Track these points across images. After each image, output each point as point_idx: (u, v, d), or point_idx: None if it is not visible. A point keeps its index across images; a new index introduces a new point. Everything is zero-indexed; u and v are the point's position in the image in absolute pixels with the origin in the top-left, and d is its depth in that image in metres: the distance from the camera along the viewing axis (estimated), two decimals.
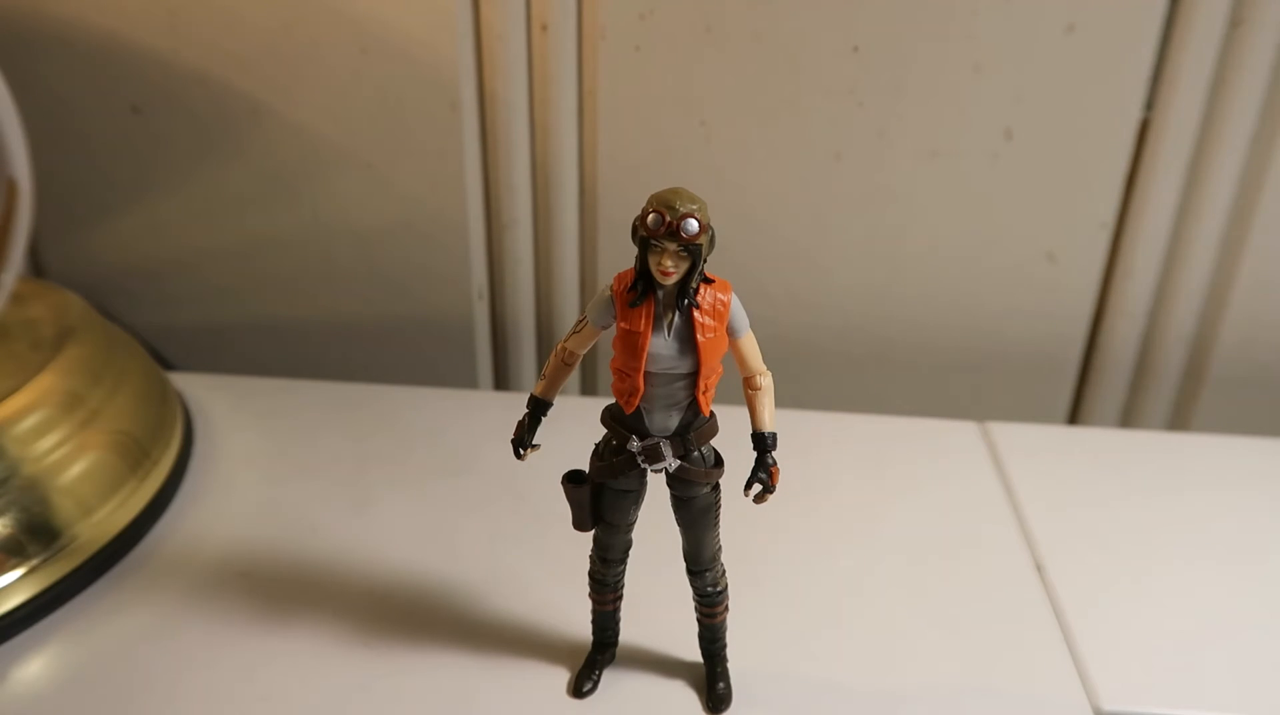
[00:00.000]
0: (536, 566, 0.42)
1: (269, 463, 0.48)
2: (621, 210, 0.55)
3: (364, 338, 0.59)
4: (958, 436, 0.51)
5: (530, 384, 0.60)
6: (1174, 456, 0.51)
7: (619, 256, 0.56)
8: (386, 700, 0.36)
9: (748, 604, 0.38)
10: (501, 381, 0.61)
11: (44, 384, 0.42)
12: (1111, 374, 0.57)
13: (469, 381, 0.59)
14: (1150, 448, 0.52)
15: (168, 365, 0.61)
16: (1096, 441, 0.52)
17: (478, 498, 0.46)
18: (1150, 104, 0.51)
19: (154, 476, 0.45)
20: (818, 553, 0.43)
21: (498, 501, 0.46)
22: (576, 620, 0.38)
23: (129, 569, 0.42)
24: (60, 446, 0.42)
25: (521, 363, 0.60)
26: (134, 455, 0.44)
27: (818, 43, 0.50)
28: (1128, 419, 0.59)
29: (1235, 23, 0.48)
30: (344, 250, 0.57)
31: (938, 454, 0.50)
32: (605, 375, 0.61)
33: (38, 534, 0.40)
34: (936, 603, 0.41)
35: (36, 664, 0.37)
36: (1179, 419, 0.58)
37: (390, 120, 0.53)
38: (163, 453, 0.46)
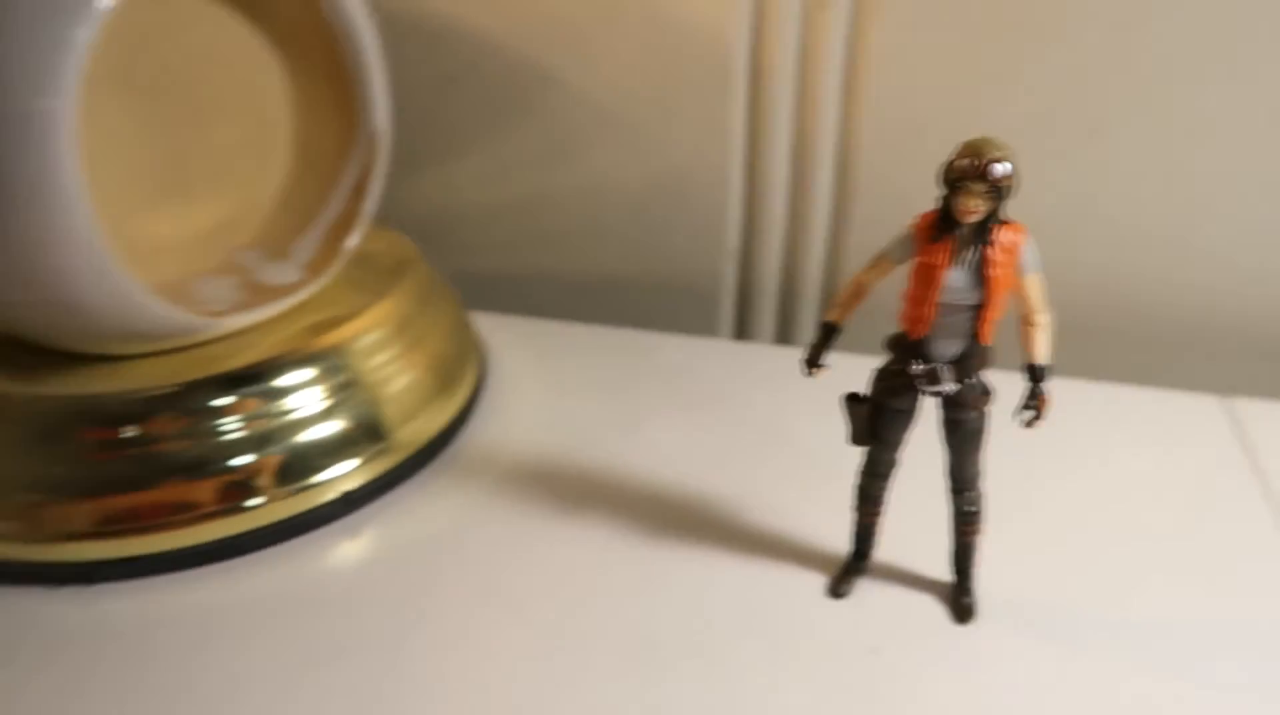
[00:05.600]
0: (789, 488, 0.45)
1: (548, 390, 0.53)
2: (877, 186, 0.56)
3: (623, 288, 0.63)
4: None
5: (768, 341, 0.64)
6: None
7: (870, 233, 0.57)
8: (663, 587, 0.39)
9: (997, 532, 0.39)
10: (741, 338, 0.64)
11: (385, 308, 0.47)
12: None
13: (709, 333, 0.63)
14: None
15: None
16: None
17: (729, 426, 0.50)
18: None
19: (458, 395, 0.49)
20: (1065, 502, 0.44)
21: (747, 429, 0.49)
22: (829, 537, 0.41)
23: (439, 468, 0.47)
24: (391, 362, 0.46)
25: (762, 322, 0.63)
26: (443, 376, 0.49)
27: (1082, 18, 0.50)
28: None
29: None
30: (611, 210, 0.61)
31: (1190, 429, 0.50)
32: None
33: (370, 433, 0.44)
34: (1179, 551, 0.41)
35: (368, 536, 0.43)
36: None
37: (666, 90, 0.56)
38: (465, 375, 0.51)
